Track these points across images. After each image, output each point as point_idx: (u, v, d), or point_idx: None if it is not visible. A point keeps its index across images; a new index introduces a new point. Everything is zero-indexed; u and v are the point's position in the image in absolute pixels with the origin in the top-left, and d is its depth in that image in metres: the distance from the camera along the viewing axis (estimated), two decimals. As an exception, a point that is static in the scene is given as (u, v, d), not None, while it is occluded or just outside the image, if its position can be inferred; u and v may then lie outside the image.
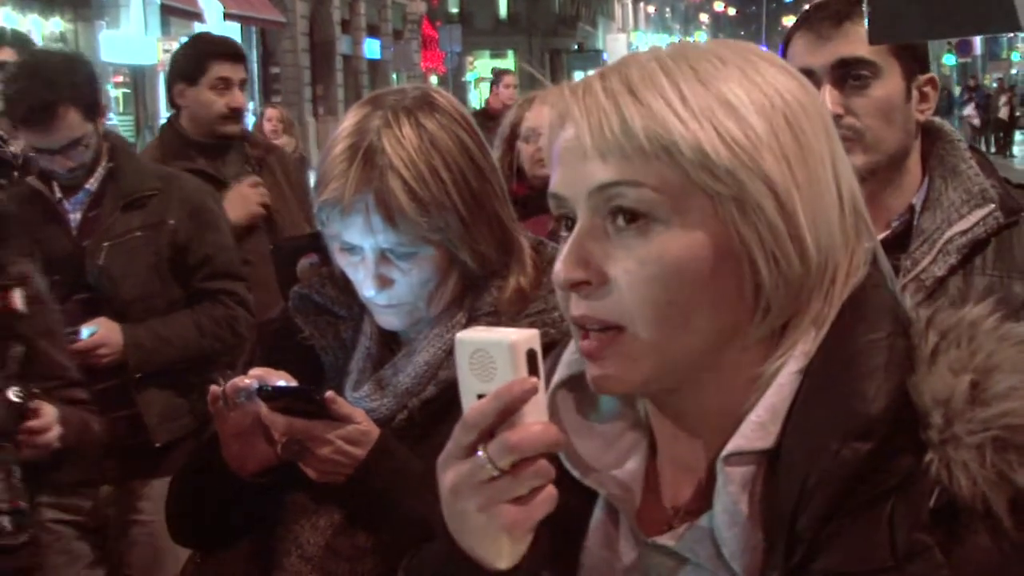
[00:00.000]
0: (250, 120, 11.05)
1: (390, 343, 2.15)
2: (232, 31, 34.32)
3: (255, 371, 2.03)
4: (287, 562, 2.10)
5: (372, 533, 2.05)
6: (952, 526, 1.11)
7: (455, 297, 2.08)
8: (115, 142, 4.26)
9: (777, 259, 1.19)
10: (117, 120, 26.96)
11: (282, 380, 2.01)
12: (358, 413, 2.02)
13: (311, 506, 2.11)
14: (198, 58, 4.94)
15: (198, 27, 32.50)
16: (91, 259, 4.04)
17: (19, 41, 5.30)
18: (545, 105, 4.83)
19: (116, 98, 28.92)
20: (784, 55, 2.62)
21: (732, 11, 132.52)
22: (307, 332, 2.17)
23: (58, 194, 4.12)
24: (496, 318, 2.04)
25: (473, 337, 1.21)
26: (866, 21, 2.33)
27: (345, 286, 2.13)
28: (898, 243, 2.49)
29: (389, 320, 2.08)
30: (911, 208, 2.52)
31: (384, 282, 2.02)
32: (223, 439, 2.08)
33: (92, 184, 4.13)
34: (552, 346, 1.32)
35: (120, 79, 29.24)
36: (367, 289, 2.03)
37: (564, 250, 1.22)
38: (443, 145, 2.00)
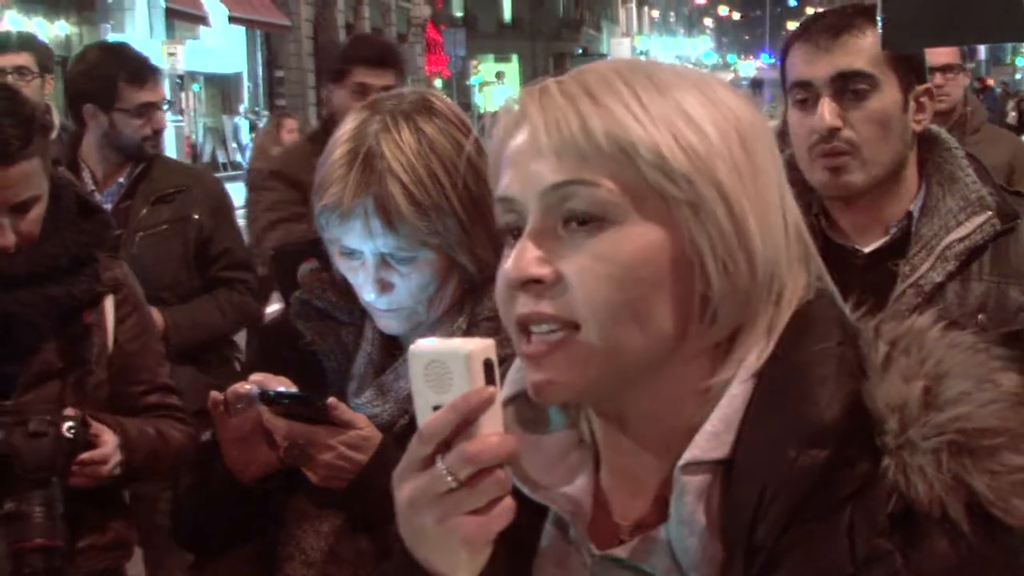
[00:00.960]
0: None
1: (391, 348, 2.15)
2: (237, 35, 34.43)
3: (255, 376, 2.03)
4: (289, 567, 2.10)
5: (374, 537, 2.05)
6: (910, 531, 1.11)
7: (455, 301, 2.09)
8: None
9: (727, 266, 1.19)
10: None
11: (282, 386, 2.02)
12: (360, 419, 2.02)
13: (313, 511, 2.11)
14: (344, 60, 5.00)
15: (203, 31, 32.61)
16: (125, 248, 4.26)
17: (35, 45, 5.36)
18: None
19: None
20: (782, 65, 2.63)
21: (736, 15, 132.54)
22: (309, 337, 2.17)
23: (90, 186, 4.41)
24: (496, 323, 2.03)
25: (428, 348, 1.19)
26: (879, 27, 2.33)
27: (346, 291, 2.13)
28: (896, 249, 2.51)
29: (389, 324, 2.09)
30: (909, 215, 2.53)
31: (384, 286, 2.02)
32: (224, 444, 2.09)
33: (124, 179, 4.47)
34: (503, 359, 1.30)
35: (125, 82, 29.26)
36: (367, 293, 2.03)
37: (516, 249, 1.21)
38: (442, 149, 2.00)
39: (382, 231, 1.97)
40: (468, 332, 2.04)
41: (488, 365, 1.18)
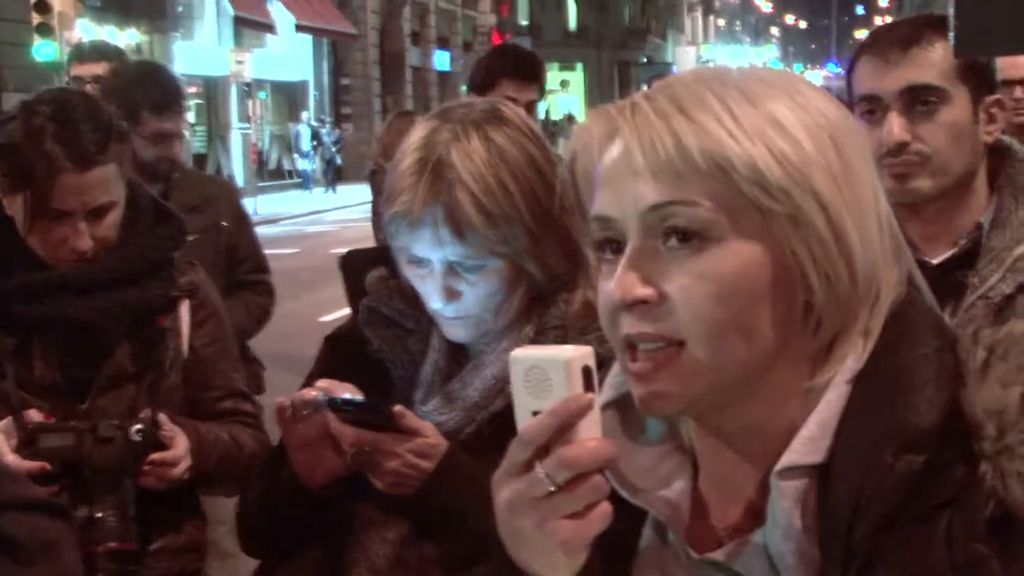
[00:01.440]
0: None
1: (458, 356, 2.15)
2: (304, 43, 34.71)
3: (322, 383, 2.05)
4: (355, 572, 2.11)
5: (439, 545, 2.06)
6: (1008, 537, 1.12)
7: (523, 310, 2.09)
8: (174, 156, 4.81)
9: (828, 275, 1.19)
10: (190, 130, 27.31)
11: (348, 393, 2.03)
12: (427, 426, 2.03)
13: (379, 518, 2.12)
14: (490, 72, 5.01)
15: (270, 39, 32.90)
16: None
17: (113, 53, 5.46)
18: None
19: (189, 108, 29.28)
20: (849, 77, 2.61)
21: (803, 24, 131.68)
22: (376, 345, 2.18)
23: None
24: (564, 331, 2.04)
25: (528, 354, 1.21)
26: (952, 33, 2.31)
27: (413, 299, 2.13)
28: (966, 261, 2.48)
29: (456, 332, 2.09)
30: (979, 226, 2.51)
31: (452, 294, 2.03)
32: (290, 450, 2.10)
33: (156, 192, 4.36)
34: (602, 364, 1.31)
35: (193, 90, 29.62)
36: (435, 301, 2.04)
37: (619, 270, 1.22)
38: (512, 158, 2.01)
39: (451, 240, 1.97)
40: (535, 340, 2.04)
41: (587, 371, 1.19)
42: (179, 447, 2.75)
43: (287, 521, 2.17)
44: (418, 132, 2.05)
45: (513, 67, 4.93)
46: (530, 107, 4.93)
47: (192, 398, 2.93)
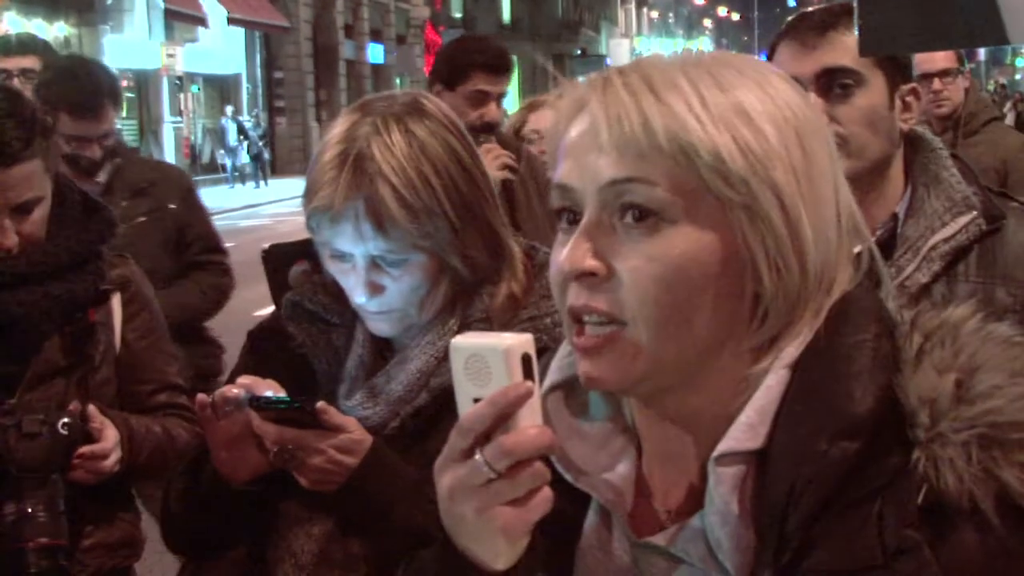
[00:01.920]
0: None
1: (383, 350, 2.15)
2: (236, 36, 34.42)
3: (243, 380, 2.03)
4: (281, 569, 2.10)
5: (365, 541, 2.06)
6: (939, 523, 1.13)
7: (447, 303, 2.09)
8: (118, 140, 4.93)
9: (779, 269, 1.20)
10: (121, 124, 27.02)
11: (270, 390, 2.02)
12: (350, 422, 2.02)
13: (304, 514, 2.11)
14: (459, 65, 4.83)
15: (201, 32, 32.60)
16: None
17: (40, 47, 5.43)
18: (551, 110, 4.74)
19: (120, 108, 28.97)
20: (768, 62, 2.64)
21: (736, 16, 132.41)
22: (299, 339, 2.17)
23: None
24: (488, 324, 2.04)
25: (468, 342, 1.22)
26: (856, 32, 2.34)
27: (337, 293, 2.12)
28: (882, 251, 2.50)
29: (380, 327, 2.09)
30: (895, 216, 2.54)
31: (375, 289, 2.02)
32: (212, 448, 2.09)
33: (102, 177, 4.69)
34: (544, 353, 1.32)
35: (124, 83, 29.29)
36: (358, 296, 2.03)
37: (572, 240, 1.23)
38: (433, 152, 2.00)
39: (373, 234, 1.96)
40: (459, 333, 2.03)
41: (526, 359, 1.20)
42: (108, 439, 2.73)
43: (210, 518, 2.16)
44: (339, 126, 2.03)
45: (484, 59, 4.80)
46: (500, 99, 4.83)
47: (125, 392, 2.91)
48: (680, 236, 1.19)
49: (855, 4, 2.29)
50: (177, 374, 3.10)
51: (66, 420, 2.65)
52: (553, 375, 1.33)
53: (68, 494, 2.65)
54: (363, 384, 2.12)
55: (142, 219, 4.68)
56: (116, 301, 2.90)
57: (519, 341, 1.20)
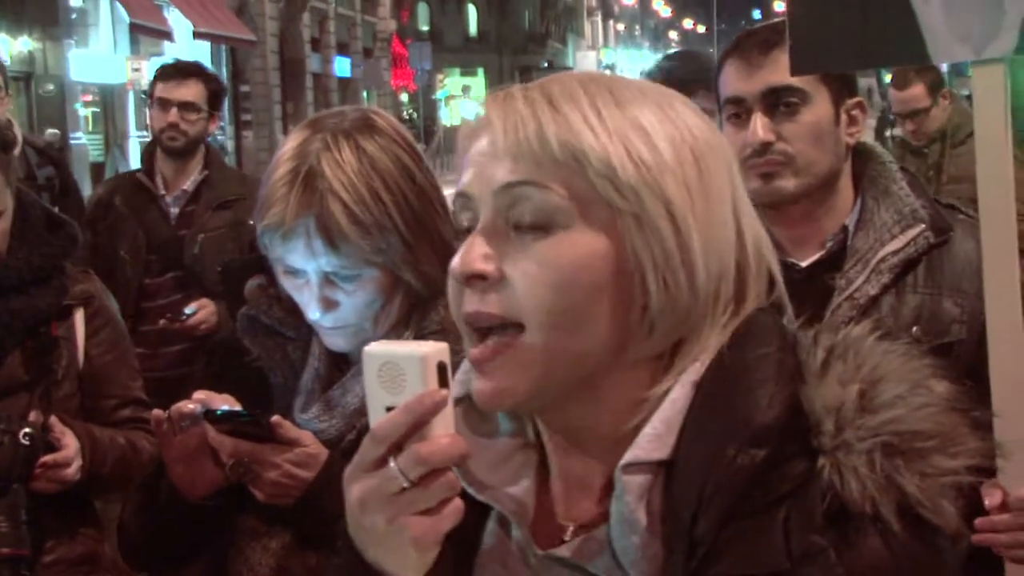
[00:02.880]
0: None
1: (339, 363, 2.15)
2: (202, 50, 34.27)
3: (199, 395, 2.03)
4: (239, 583, 2.10)
5: (323, 554, 2.05)
6: (844, 529, 1.14)
7: (401, 317, 2.09)
8: (211, 151, 5.36)
9: (667, 282, 1.21)
10: (86, 139, 26.86)
11: (226, 404, 2.02)
12: (305, 436, 2.03)
13: (262, 528, 2.11)
14: (683, 82, 4.83)
15: (167, 46, 32.46)
16: (188, 246, 5.11)
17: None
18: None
19: (85, 117, 28.76)
20: (716, 82, 2.66)
21: (701, 28, 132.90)
22: (255, 353, 2.17)
23: (161, 190, 5.24)
24: (443, 336, 2.03)
25: (382, 349, 1.21)
26: (788, 52, 2.36)
27: (293, 307, 2.12)
28: (832, 263, 2.54)
29: (336, 342, 2.09)
30: (844, 228, 2.56)
31: (329, 304, 2.02)
32: (168, 462, 2.09)
33: (189, 185, 5.22)
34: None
35: (89, 98, 29.11)
36: (312, 312, 2.04)
37: (464, 245, 1.24)
38: (383, 167, 2.00)
39: (324, 250, 1.97)
40: None
41: (441, 368, 1.20)
42: (69, 448, 2.72)
43: (167, 533, 2.15)
44: (290, 142, 2.04)
45: (707, 77, 4.82)
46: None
47: (89, 407, 2.91)
48: (571, 242, 1.21)
49: (786, 25, 2.31)
50: (140, 388, 3.09)
51: (28, 430, 2.64)
52: (456, 388, 1.32)
53: (30, 505, 2.65)
54: (319, 397, 2.12)
55: (223, 230, 5.11)
56: (79, 316, 2.90)
57: (435, 349, 1.20)
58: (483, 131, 1.26)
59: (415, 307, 2.09)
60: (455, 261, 1.24)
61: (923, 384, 1.20)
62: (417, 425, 1.18)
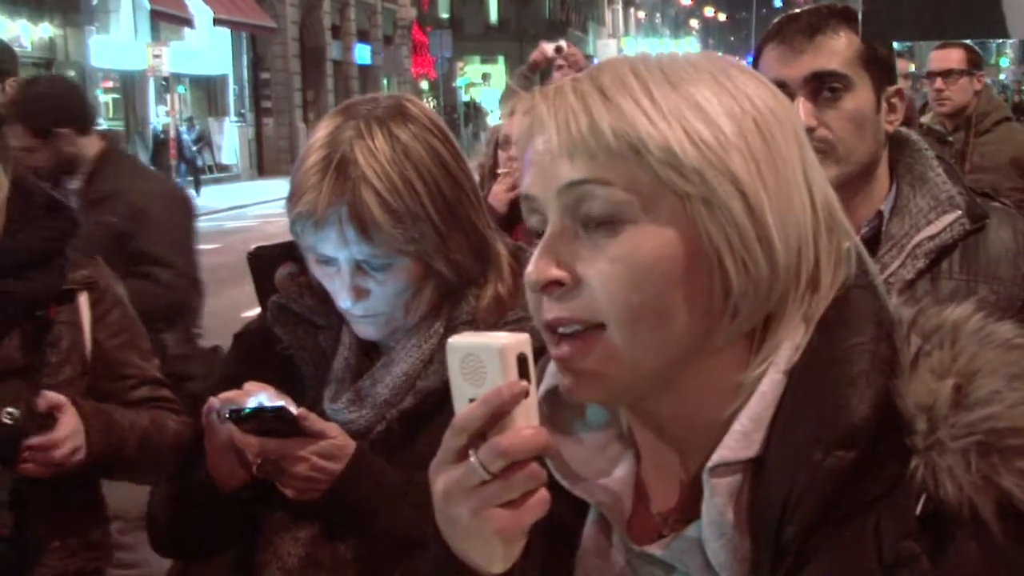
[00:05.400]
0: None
1: (369, 352, 2.14)
2: (222, 37, 34.36)
3: (225, 394, 2.01)
4: (268, 573, 2.10)
5: (352, 545, 2.05)
6: (939, 533, 1.10)
7: (432, 306, 2.08)
8: None
9: (746, 262, 1.18)
10: (107, 125, 26.95)
11: (263, 392, 1.99)
12: (332, 428, 2.01)
13: (291, 519, 2.10)
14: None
15: (187, 33, 32.55)
16: None
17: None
18: (518, 113, 4.85)
19: (106, 103, 28.88)
20: (755, 66, 2.64)
21: (722, 16, 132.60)
22: (286, 342, 2.16)
23: None
24: (474, 327, 2.02)
25: (464, 342, 1.21)
26: (860, 19, 2.33)
27: (323, 296, 2.11)
28: (867, 248, 2.52)
29: (366, 330, 2.08)
30: (880, 214, 2.54)
31: (360, 293, 2.01)
32: (212, 453, 2.07)
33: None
34: (541, 351, 1.29)
35: (110, 84, 29.23)
36: (343, 300, 2.02)
37: (536, 253, 1.22)
38: (416, 155, 1.98)
39: (357, 239, 1.95)
40: (445, 337, 2.03)
41: (522, 359, 1.18)
42: (60, 429, 2.69)
43: (202, 523, 2.15)
44: (322, 130, 2.02)
45: None
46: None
47: (104, 390, 2.89)
48: (642, 236, 1.17)
49: None
50: (157, 368, 3.09)
51: (10, 410, 2.61)
52: (548, 380, 1.31)
53: (23, 489, 2.63)
54: (349, 387, 2.10)
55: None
56: (84, 301, 2.89)
57: (515, 340, 1.19)
58: (537, 130, 1.23)
59: (446, 296, 2.08)
60: (529, 269, 1.22)
61: (1020, 377, 1.15)
62: (496, 417, 1.17)
